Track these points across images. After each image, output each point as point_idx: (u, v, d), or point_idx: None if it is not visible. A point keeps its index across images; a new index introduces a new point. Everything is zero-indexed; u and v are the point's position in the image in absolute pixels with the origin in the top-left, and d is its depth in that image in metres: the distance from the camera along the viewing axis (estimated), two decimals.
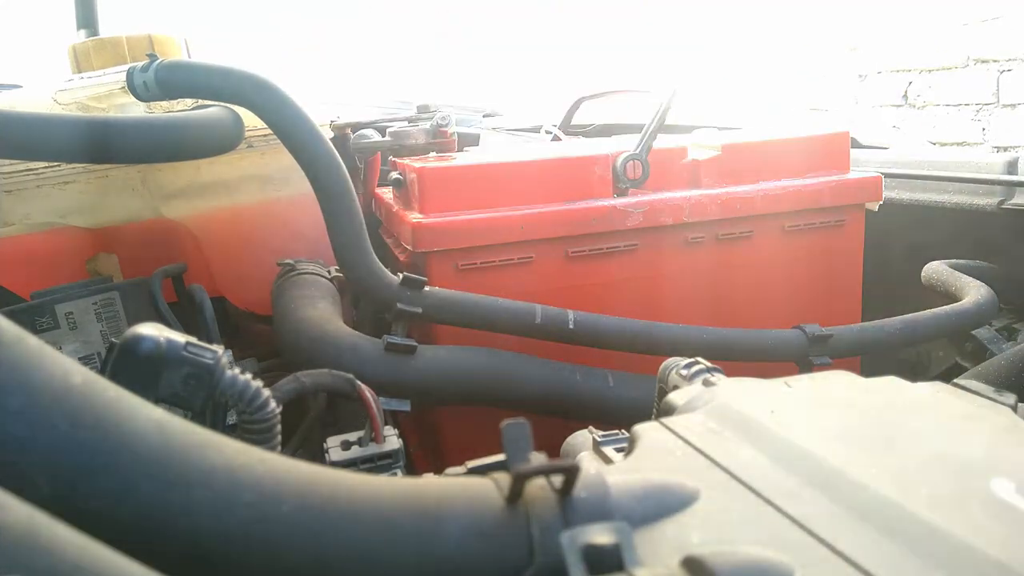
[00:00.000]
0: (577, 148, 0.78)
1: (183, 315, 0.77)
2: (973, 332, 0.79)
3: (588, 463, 0.26)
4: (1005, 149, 2.05)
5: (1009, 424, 0.29)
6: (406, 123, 0.90)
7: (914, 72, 2.32)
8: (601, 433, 0.37)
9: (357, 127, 0.93)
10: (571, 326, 0.64)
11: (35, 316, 0.68)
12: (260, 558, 0.22)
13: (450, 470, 0.33)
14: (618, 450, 0.35)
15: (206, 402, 0.38)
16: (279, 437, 0.40)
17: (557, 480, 0.25)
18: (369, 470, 0.49)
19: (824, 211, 0.75)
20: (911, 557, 0.21)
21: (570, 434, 0.47)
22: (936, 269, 0.81)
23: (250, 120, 0.69)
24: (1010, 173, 0.80)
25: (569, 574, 0.22)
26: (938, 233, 0.97)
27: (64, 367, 0.22)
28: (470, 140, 0.94)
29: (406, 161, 0.75)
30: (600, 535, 0.23)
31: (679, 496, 0.26)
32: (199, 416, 0.38)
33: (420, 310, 0.63)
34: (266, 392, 0.39)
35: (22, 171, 0.75)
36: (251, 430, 0.39)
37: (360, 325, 0.89)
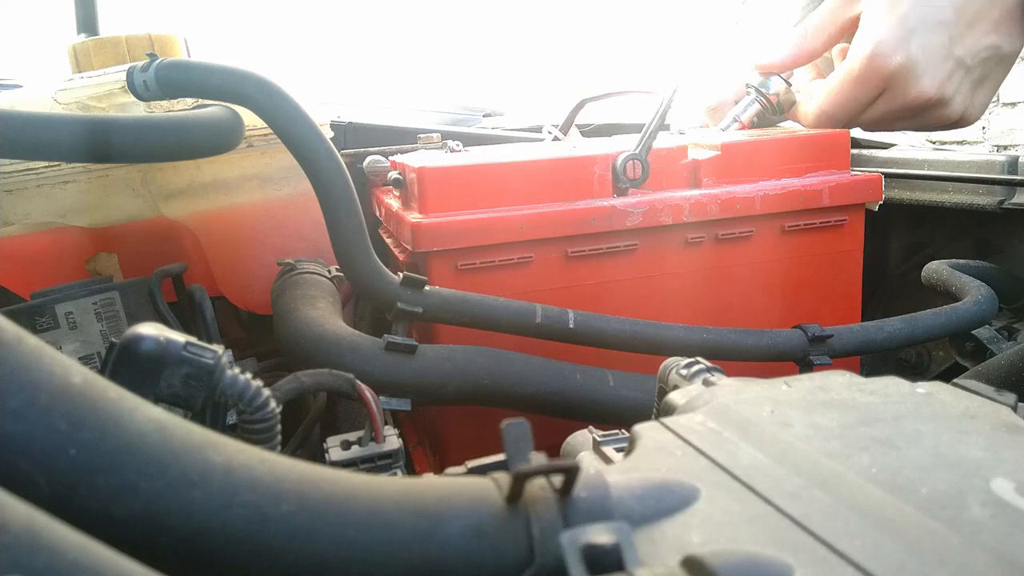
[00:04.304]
0: (577, 148, 0.78)
1: (183, 315, 0.77)
2: (973, 332, 0.79)
3: (588, 463, 0.26)
4: (1005, 148, 2.05)
5: (1009, 424, 0.29)
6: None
7: None
8: (601, 433, 0.37)
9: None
10: (571, 326, 0.64)
11: (35, 316, 0.68)
12: (259, 558, 0.22)
13: (450, 470, 0.33)
14: (618, 450, 0.35)
15: (206, 402, 0.38)
16: (279, 437, 0.40)
17: (557, 480, 0.25)
18: (369, 470, 0.49)
19: (824, 211, 0.75)
20: (911, 557, 0.21)
21: (570, 434, 0.47)
22: (936, 269, 0.81)
23: (250, 120, 0.69)
24: (1010, 173, 0.80)
25: (569, 574, 0.22)
26: (938, 233, 0.97)
27: (64, 367, 0.22)
28: None
29: (405, 160, 0.75)
30: (600, 535, 0.23)
31: (679, 496, 0.26)
32: (199, 416, 0.38)
33: (420, 310, 0.63)
34: (266, 392, 0.40)
35: (22, 171, 0.75)
36: (251, 430, 0.39)
37: (359, 325, 0.89)
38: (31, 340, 0.22)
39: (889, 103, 0.77)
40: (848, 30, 0.82)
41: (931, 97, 0.75)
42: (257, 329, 0.94)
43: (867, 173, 0.77)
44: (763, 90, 0.90)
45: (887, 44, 0.73)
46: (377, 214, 0.89)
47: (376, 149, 0.98)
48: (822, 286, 0.78)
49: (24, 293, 0.74)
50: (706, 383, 0.36)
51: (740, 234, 0.73)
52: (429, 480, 0.26)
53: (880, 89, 0.77)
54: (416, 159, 0.73)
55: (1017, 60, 0.79)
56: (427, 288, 0.63)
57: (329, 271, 0.78)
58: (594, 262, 0.70)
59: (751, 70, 0.90)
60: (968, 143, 2.21)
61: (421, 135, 0.98)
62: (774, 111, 0.91)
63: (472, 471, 0.32)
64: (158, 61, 0.63)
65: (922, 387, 0.33)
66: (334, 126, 0.99)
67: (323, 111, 0.97)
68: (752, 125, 0.91)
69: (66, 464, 0.21)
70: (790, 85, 0.89)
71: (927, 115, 0.78)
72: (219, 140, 0.68)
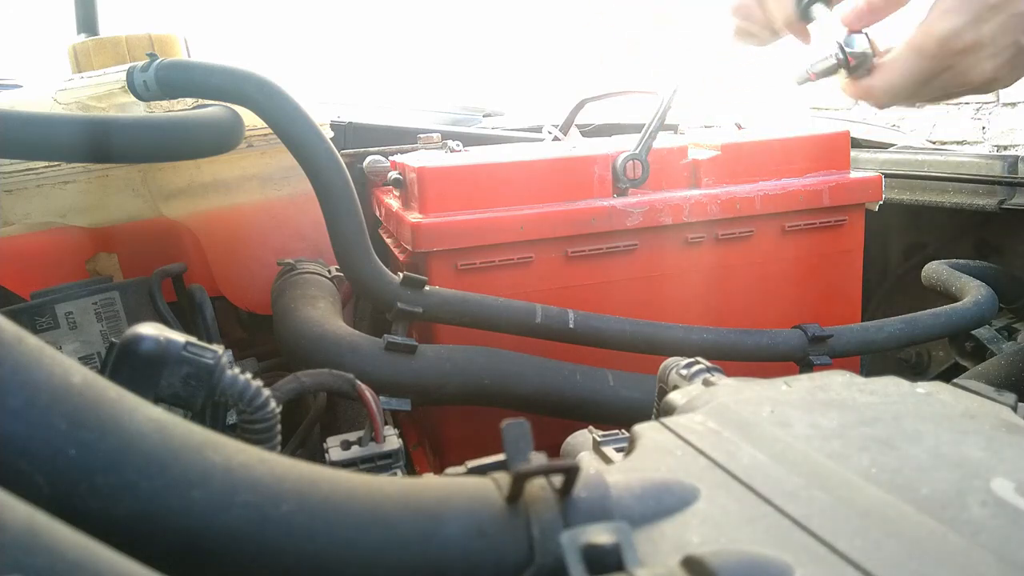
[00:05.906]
0: (577, 148, 0.78)
1: (183, 315, 0.77)
2: (973, 332, 0.79)
3: (588, 463, 0.26)
4: (1005, 148, 2.05)
5: (1009, 424, 0.29)
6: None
7: None
8: (601, 433, 0.37)
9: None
10: (571, 326, 0.64)
11: (35, 316, 0.68)
12: (259, 558, 0.22)
13: (450, 470, 0.33)
14: (618, 450, 0.35)
15: (206, 402, 0.38)
16: (279, 437, 0.40)
17: (557, 480, 0.25)
18: (369, 470, 0.49)
19: (824, 211, 0.75)
20: (911, 557, 0.21)
21: (570, 434, 0.47)
22: (936, 269, 0.81)
23: (250, 120, 0.69)
24: (1010, 173, 0.80)
25: (569, 574, 0.22)
26: (938, 233, 0.97)
27: (64, 367, 0.22)
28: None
29: (405, 160, 0.75)
30: (600, 535, 0.23)
31: (679, 496, 0.26)
32: (199, 416, 0.38)
33: (420, 310, 0.63)
34: (266, 392, 0.39)
35: (22, 171, 0.75)
36: (251, 430, 0.39)
37: (359, 325, 0.89)
38: (31, 340, 0.22)
39: (950, 81, 0.80)
40: None
41: (990, 78, 0.78)
42: (257, 329, 0.94)
43: (867, 173, 0.77)
44: (847, 48, 0.87)
45: (958, 26, 0.77)
46: (377, 214, 0.89)
47: (376, 149, 0.98)
48: (822, 286, 0.78)
49: (24, 293, 0.74)
50: (706, 383, 0.36)
51: (740, 234, 0.73)
52: (429, 480, 0.26)
53: (947, 67, 0.79)
54: (416, 159, 0.73)
55: None
56: (427, 288, 0.63)
57: (329, 271, 0.78)
58: (594, 262, 0.70)
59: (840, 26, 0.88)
60: (968, 143, 2.21)
61: (421, 135, 0.98)
62: (850, 70, 0.89)
63: (472, 471, 0.32)
64: (158, 61, 0.63)
65: (922, 387, 0.33)
66: (334, 126, 0.99)
67: (323, 111, 0.97)
68: (818, 79, 0.90)
69: (66, 464, 0.21)
70: (873, 49, 0.87)
71: (976, 91, 0.80)
72: (219, 140, 0.68)
